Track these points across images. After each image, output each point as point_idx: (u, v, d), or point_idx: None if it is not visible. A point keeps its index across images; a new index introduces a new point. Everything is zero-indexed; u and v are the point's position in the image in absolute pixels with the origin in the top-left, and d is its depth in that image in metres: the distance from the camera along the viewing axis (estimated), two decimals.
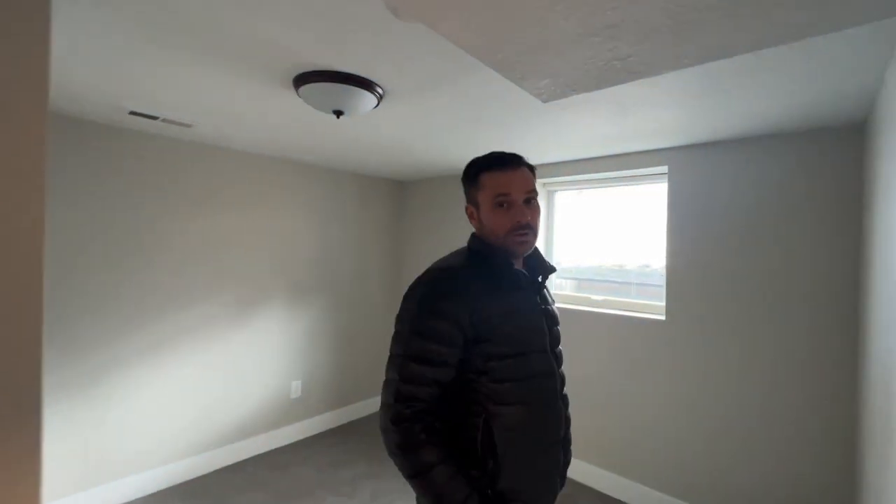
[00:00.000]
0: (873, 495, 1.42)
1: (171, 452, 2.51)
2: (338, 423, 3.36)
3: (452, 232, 3.34)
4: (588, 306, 2.74)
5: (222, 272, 2.71)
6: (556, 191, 3.06)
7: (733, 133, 2.05)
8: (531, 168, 1.01)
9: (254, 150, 2.77)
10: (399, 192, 3.83)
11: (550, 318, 1.02)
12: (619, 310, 2.62)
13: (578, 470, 2.62)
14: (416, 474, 0.85)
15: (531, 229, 0.96)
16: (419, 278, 0.96)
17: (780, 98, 1.60)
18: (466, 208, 1.03)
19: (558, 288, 3.02)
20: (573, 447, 1.10)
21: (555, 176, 2.84)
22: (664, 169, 2.40)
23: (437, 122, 2.04)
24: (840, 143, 1.89)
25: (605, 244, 2.88)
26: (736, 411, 2.13)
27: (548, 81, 1.32)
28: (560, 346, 1.05)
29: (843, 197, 1.89)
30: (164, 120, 2.14)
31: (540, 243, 2.38)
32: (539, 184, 2.99)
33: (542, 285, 1.04)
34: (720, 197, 2.20)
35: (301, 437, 3.11)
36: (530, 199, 0.97)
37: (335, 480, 2.59)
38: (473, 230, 1.03)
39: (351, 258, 3.46)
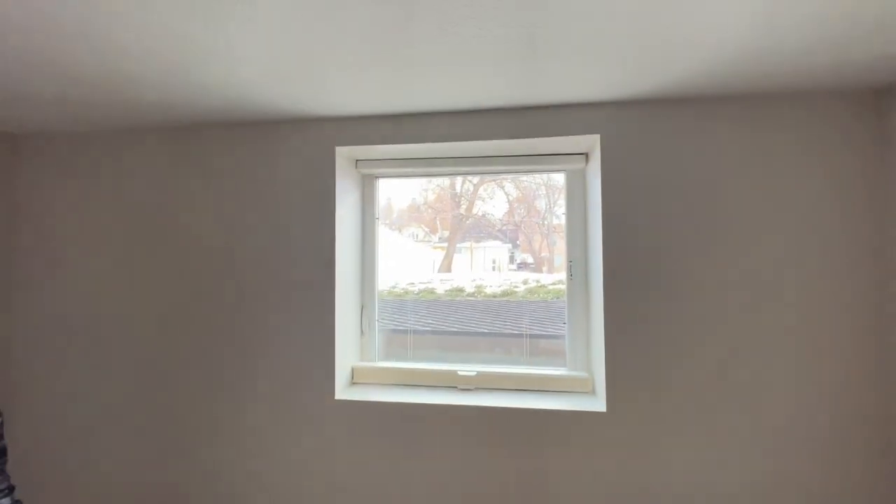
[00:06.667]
0: None
1: None
2: None
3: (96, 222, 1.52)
4: (448, 392, 1.46)
5: None
6: (378, 177, 1.68)
7: (704, 86, 1.17)
8: None
9: None
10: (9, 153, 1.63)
11: None
12: (509, 394, 1.45)
13: None
14: None
15: None
16: None
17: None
18: None
19: (366, 355, 1.64)
20: None
21: (373, 143, 1.43)
22: (594, 140, 1.37)
23: None
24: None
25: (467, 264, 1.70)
26: None
27: None
28: None
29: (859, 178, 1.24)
30: None
31: (352, 261, 1.55)
32: (346, 158, 1.53)
33: None
34: (681, 184, 1.30)
35: None
36: None
37: None
38: None
39: None
